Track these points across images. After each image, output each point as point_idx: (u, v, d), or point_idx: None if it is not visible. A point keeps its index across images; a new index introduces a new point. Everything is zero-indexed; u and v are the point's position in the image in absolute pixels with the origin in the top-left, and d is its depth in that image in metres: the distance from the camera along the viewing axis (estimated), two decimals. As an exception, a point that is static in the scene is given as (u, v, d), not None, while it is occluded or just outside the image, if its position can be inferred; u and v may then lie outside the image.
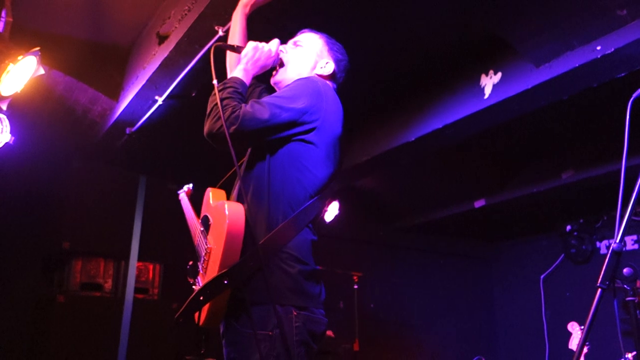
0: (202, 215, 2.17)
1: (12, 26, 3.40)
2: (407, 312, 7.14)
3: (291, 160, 1.92)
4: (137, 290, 5.19)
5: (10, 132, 3.59)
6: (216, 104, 1.88)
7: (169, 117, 4.44)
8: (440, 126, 4.23)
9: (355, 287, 5.76)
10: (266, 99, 1.94)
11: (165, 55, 3.58)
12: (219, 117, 1.83)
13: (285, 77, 2.19)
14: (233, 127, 1.81)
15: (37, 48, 3.30)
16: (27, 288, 5.03)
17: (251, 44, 2.10)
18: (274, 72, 2.21)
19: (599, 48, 3.17)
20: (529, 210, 6.64)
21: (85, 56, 4.38)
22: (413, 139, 4.48)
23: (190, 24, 3.25)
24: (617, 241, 1.57)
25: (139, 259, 5.26)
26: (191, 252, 2.18)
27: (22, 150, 3.95)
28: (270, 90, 2.29)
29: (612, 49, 3.10)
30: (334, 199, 6.25)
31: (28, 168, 4.91)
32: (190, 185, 2.90)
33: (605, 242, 6.63)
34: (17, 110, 3.78)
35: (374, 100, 4.79)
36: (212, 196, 2.15)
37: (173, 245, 5.07)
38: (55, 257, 5.12)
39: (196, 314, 1.88)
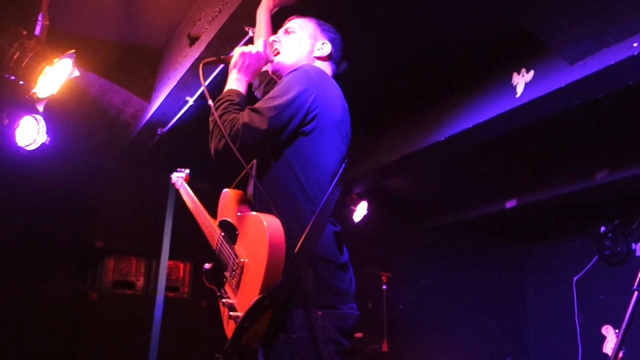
0: (219, 217, 2.10)
1: (48, 29, 3.47)
2: (436, 313, 7.07)
3: (296, 157, 1.89)
4: (168, 288, 5.25)
5: (46, 133, 3.67)
6: (216, 122, 1.88)
7: (200, 118, 4.48)
8: (471, 125, 4.18)
9: (384, 287, 5.74)
10: (262, 104, 1.89)
11: (196, 56, 3.62)
12: (222, 136, 1.84)
13: (284, 64, 2.16)
14: (236, 144, 1.81)
15: (73, 50, 3.36)
16: (62, 285, 5.13)
17: (238, 51, 2.07)
18: (270, 65, 2.17)
19: (635, 45, 3.08)
20: (561, 210, 6.52)
21: (118, 58, 4.48)
22: (443, 138, 4.43)
23: (220, 25, 3.28)
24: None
25: (170, 258, 5.31)
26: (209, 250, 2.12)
27: (58, 150, 4.05)
28: None
29: (650, 46, 3.02)
30: (361, 198, 6.24)
31: (63, 168, 5.02)
32: (188, 171, 2.83)
33: (641, 243, 6.48)
34: (53, 111, 3.86)
35: (404, 99, 4.76)
36: (234, 201, 2.03)
37: (203, 244, 5.11)
38: (88, 255, 5.23)
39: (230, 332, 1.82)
